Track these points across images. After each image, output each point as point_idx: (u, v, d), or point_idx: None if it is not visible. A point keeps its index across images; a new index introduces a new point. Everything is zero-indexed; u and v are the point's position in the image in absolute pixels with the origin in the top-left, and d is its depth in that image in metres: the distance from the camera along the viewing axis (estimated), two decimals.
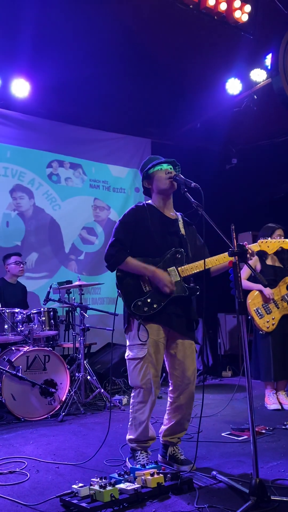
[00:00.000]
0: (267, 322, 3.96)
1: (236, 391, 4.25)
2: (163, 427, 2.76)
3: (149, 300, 2.58)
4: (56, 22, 4.62)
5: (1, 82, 5.35)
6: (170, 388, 2.74)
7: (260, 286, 3.99)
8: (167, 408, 2.76)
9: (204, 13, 4.40)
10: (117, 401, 4.43)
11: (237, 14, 4.52)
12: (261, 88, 5.73)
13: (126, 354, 2.68)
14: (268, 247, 2.79)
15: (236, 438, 3.22)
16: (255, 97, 5.81)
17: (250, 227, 6.47)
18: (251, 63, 5.52)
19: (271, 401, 4.07)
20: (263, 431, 3.31)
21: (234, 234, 2.29)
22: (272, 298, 3.97)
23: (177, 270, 2.63)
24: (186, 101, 5.97)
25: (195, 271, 2.62)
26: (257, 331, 4.05)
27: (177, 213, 2.87)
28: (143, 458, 2.60)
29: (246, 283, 4.06)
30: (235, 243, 2.27)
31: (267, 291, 3.97)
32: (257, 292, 4.01)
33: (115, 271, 2.69)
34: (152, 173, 2.77)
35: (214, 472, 2.44)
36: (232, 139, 7.11)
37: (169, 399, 2.75)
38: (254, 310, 3.97)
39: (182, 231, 2.76)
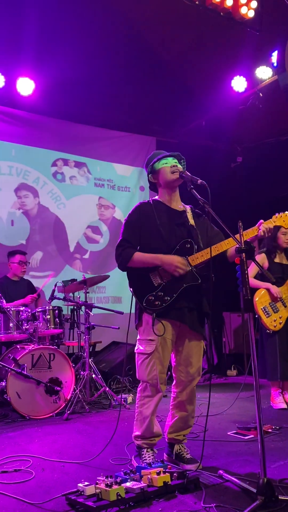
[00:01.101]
0: (274, 321, 3.93)
1: (241, 390, 4.22)
2: (168, 424, 2.75)
3: (160, 294, 2.56)
4: (60, 20, 4.62)
5: (5, 80, 5.34)
6: (174, 383, 2.74)
7: (267, 285, 3.96)
8: (170, 404, 2.76)
9: (210, 9, 4.36)
10: (122, 399, 4.41)
11: (243, 10, 4.48)
12: (266, 85, 5.70)
13: (135, 348, 2.68)
14: (284, 221, 2.73)
15: (242, 437, 3.20)
16: (261, 94, 5.78)
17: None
18: (256, 60, 5.49)
19: (278, 401, 4.05)
20: (270, 430, 3.29)
21: (241, 231, 2.26)
22: (280, 296, 3.94)
23: (188, 260, 2.61)
24: (191, 99, 5.95)
25: (206, 258, 2.58)
26: (263, 330, 4.02)
27: (186, 205, 2.84)
28: (149, 457, 2.59)
29: (253, 282, 4.03)
30: (242, 240, 2.25)
31: (275, 289, 3.94)
32: (264, 290, 3.98)
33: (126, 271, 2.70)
34: (157, 167, 2.76)
35: (220, 471, 2.42)
36: (237, 137, 7.08)
37: (172, 394, 2.75)
38: (261, 309, 3.93)
39: (191, 221, 2.73)
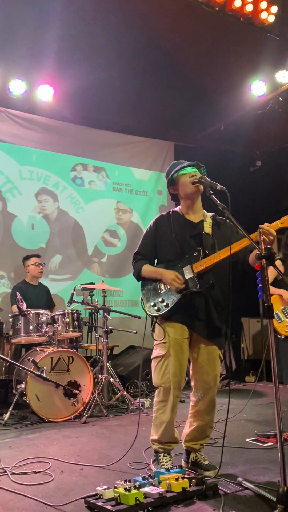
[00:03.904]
0: (286, 326, 3.93)
1: (261, 396, 4.19)
2: (185, 431, 2.74)
3: (161, 300, 2.65)
4: (80, 27, 4.67)
5: (26, 87, 5.44)
6: (192, 392, 2.74)
7: (280, 291, 3.98)
8: (189, 412, 2.75)
9: (230, 15, 4.37)
10: (140, 404, 4.41)
11: (263, 15, 4.47)
12: (286, 89, 5.66)
13: (152, 354, 2.72)
14: None
15: (261, 444, 3.17)
16: (280, 99, 5.74)
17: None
18: (276, 64, 5.46)
19: None
20: None
21: (261, 236, 2.25)
22: None
23: (191, 267, 2.62)
24: (210, 104, 5.94)
25: (210, 264, 2.56)
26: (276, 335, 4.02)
27: (208, 213, 2.83)
28: (166, 462, 2.59)
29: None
30: (263, 245, 2.23)
31: (287, 296, 3.95)
32: (277, 296, 4.00)
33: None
34: (176, 178, 2.77)
35: (239, 479, 2.40)
36: (256, 141, 7.05)
37: (190, 402, 2.74)
38: (273, 314, 3.93)
39: (208, 230, 2.72)
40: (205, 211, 2.84)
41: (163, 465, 2.56)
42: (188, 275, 2.62)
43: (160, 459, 2.62)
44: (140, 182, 6.66)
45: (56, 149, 6.00)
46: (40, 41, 4.67)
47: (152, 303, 2.68)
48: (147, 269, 2.75)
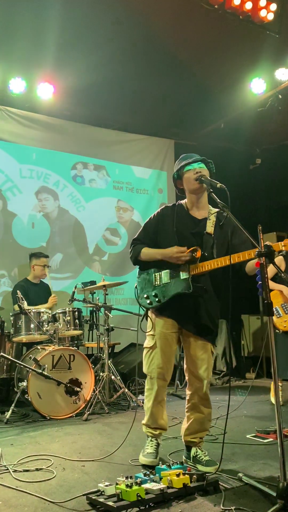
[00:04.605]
0: (285, 321, 4.00)
1: (261, 393, 4.21)
2: (183, 426, 2.78)
3: (154, 293, 2.70)
4: (79, 25, 4.67)
5: (27, 85, 5.44)
6: (187, 385, 2.78)
7: (281, 287, 4.04)
8: (185, 407, 2.79)
9: (229, 12, 4.37)
10: (141, 401, 4.43)
11: (263, 13, 4.47)
12: (286, 87, 5.66)
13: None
14: None
15: (261, 440, 3.19)
16: (280, 96, 5.75)
17: (275, 228, 6.40)
18: (276, 62, 5.46)
19: None
20: None
21: (261, 234, 2.26)
22: None
23: (188, 268, 2.63)
24: (210, 101, 5.95)
25: (207, 269, 2.56)
26: (274, 331, 4.08)
27: (214, 209, 2.81)
28: (150, 446, 2.70)
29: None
30: (262, 243, 2.24)
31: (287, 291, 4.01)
32: (277, 291, 4.06)
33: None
34: (182, 174, 2.78)
35: (240, 474, 2.42)
36: (256, 139, 7.05)
37: (186, 396, 2.79)
38: (273, 309, 3.98)
39: (209, 230, 2.71)
40: (211, 207, 2.82)
41: (146, 448, 2.68)
42: (183, 275, 2.63)
43: (146, 443, 2.74)
44: (141, 180, 6.67)
45: (56, 147, 6.01)
46: (40, 39, 4.67)
47: (145, 295, 2.73)
48: (147, 251, 2.76)
